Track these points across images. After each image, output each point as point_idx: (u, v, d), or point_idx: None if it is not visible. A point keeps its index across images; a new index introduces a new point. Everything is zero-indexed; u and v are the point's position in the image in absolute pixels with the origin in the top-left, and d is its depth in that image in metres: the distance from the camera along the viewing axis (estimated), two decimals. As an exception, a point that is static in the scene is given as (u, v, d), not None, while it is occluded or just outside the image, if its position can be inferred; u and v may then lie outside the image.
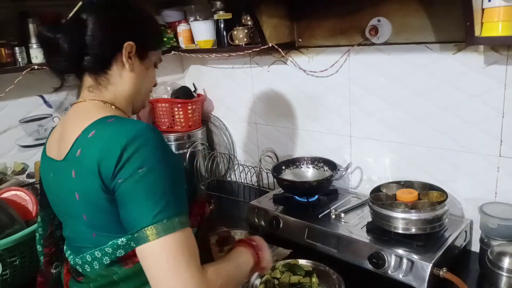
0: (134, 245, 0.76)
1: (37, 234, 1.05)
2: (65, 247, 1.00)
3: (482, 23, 1.12)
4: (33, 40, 1.64)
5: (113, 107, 0.90)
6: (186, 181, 0.85)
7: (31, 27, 1.64)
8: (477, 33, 1.12)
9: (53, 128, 1.00)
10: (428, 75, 1.37)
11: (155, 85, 1.03)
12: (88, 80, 0.91)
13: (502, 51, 1.21)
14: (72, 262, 0.93)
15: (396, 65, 1.43)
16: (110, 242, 0.83)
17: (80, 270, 0.90)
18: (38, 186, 1.48)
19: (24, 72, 1.59)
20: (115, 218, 0.79)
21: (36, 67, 1.61)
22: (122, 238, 0.83)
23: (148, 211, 0.74)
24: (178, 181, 0.80)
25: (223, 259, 0.95)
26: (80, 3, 0.89)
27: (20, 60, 1.62)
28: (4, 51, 1.57)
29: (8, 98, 1.67)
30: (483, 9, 1.11)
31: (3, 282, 1.22)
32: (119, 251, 0.84)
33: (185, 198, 0.81)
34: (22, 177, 1.67)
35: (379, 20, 1.41)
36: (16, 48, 1.61)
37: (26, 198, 1.36)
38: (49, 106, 1.84)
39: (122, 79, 0.92)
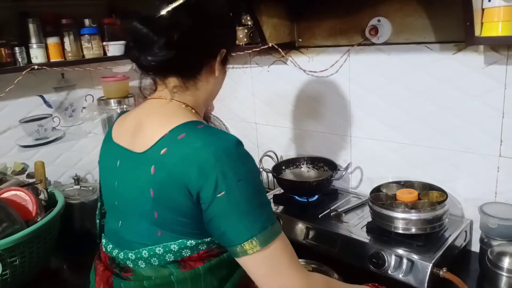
0: (231, 256, 0.81)
1: (97, 211, 1.09)
2: (104, 241, 0.98)
3: (482, 23, 1.12)
4: (33, 40, 1.65)
5: (193, 111, 0.90)
6: None
7: (31, 27, 1.64)
8: (477, 33, 1.12)
9: (120, 114, 1.00)
10: (428, 75, 1.37)
11: None
12: (174, 80, 0.89)
13: (502, 51, 1.21)
14: (119, 257, 0.90)
15: (396, 65, 1.43)
16: (179, 241, 0.83)
17: (131, 266, 0.87)
18: (39, 185, 1.48)
19: (24, 72, 1.59)
20: (190, 222, 0.81)
21: (36, 67, 1.61)
22: (191, 241, 0.83)
23: (242, 228, 0.77)
24: (262, 191, 0.82)
25: (342, 282, 0.97)
26: (180, 1, 0.83)
27: (20, 60, 1.62)
28: (4, 51, 1.57)
29: (8, 98, 1.68)
30: (483, 9, 1.11)
31: (3, 282, 1.22)
32: (185, 251, 0.84)
33: (271, 206, 0.84)
34: (22, 177, 1.67)
35: (379, 20, 1.41)
36: (16, 48, 1.61)
37: (26, 198, 1.36)
38: (49, 106, 1.84)
39: (208, 84, 0.92)
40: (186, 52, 0.85)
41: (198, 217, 0.81)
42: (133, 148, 0.87)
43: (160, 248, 0.84)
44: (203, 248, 0.85)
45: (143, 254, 0.85)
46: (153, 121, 0.87)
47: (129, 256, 0.87)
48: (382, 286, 1.04)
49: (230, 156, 0.78)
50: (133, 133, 0.89)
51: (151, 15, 0.83)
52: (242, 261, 0.80)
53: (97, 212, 1.09)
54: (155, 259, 0.84)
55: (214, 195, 0.76)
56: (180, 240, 0.83)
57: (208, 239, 0.85)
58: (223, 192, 0.76)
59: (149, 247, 0.84)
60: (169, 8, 0.82)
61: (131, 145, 0.88)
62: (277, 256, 0.80)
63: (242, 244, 0.77)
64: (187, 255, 0.84)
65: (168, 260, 0.84)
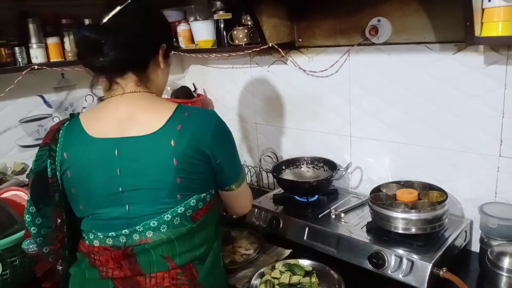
0: (222, 190, 1.11)
1: (33, 236, 1.05)
2: (93, 235, 1.01)
3: (482, 23, 1.12)
4: (33, 40, 1.65)
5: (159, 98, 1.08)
6: None
7: (31, 27, 1.64)
8: (477, 33, 1.12)
9: (72, 118, 1.07)
10: (428, 75, 1.37)
11: None
12: (132, 76, 1.02)
13: (502, 51, 1.21)
14: (125, 237, 0.99)
15: (396, 65, 1.43)
16: (195, 196, 1.01)
17: (151, 235, 0.98)
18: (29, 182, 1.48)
19: (24, 72, 1.60)
20: (203, 179, 1.01)
21: (36, 67, 1.61)
22: (203, 194, 1.02)
23: (234, 173, 1.10)
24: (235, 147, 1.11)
25: None
26: (120, 7, 1.00)
27: (20, 60, 1.62)
28: (4, 51, 1.57)
29: (8, 98, 1.68)
30: (483, 9, 1.11)
31: (3, 282, 1.22)
32: (200, 203, 1.02)
33: None
34: (22, 177, 1.67)
35: (379, 20, 1.41)
36: (16, 48, 1.61)
37: (26, 198, 1.36)
38: (49, 106, 1.84)
39: (157, 76, 1.08)
40: (132, 50, 0.99)
41: (209, 174, 1.03)
42: (131, 134, 0.98)
43: (182, 207, 0.99)
44: (208, 198, 1.05)
45: (165, 218, 0.98)
46: (145, 109, 1.01)
47: (151, 225, 0.98)
48: None
49: (221, 122, 1.04)
50: (123, 123, 0.99)
51: (97, 23, 1.02)
52: (234, 192, 1.12)
53: (35, 237, 1.06)
54: (178, 218, 0.99)
55: (224, 151, 1.03)
56: (196, 195, 1.01)
57: (211, 190, 1.06)
58: (227, 147, 1.05)
59: (172, 209, 0.98)
60: (111, 15, 0.99)
61: (126, 133, 0.98)
62: (247, 186, 1.19)
63: (238, 180, 1.11)
64: (201, 206, 1.02)
65: (188, 215, 1.00)
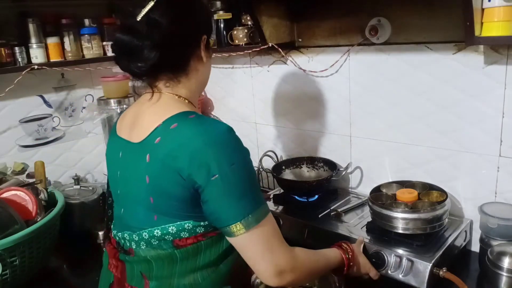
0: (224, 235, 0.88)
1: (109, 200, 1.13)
2: (112, 226, 1.05)
3: (482, 23, 1.12)
4: (33, 40, 1.65)
5: (186, 101, 0.94)
6: None
7: (31, 27, 1.64)
8: (477, 33, 1.12)
9: (122, 112, 1.08)
10: (428, 75, 1.37)
11: None
12: (165, 76, 0.93)
13: (502, 51, 1.21)
14: (125, 239, 0.96)
15: (396, 65, 1.43)
16: (177, 223, 0.87)
17: (134, 247, 0.93)
18: (39, 185, 1.48)
19: (24, 72, 1.60)
20: (184, 205, 0.85)
21: (36, 67, 1.61)
22: (188, 223, 0.87)
23: (236, 208, 0.83)
24: (253, 174, 0.88)
25: (314, 251, 1.02)
26: (151, 3, 0.86)
27: (20, 60, 1.62)
28: (4, 51, 1.57)
29: (8, 98, 1.68)
30: (483, 9, 1.11)
31: (3, 282, 1.22)
32: (183, 233, 0.88)
33: (260, 190, 0.89)
34: (22, 177, 1.67)
35: (379, 20, 1.41)
36: (16, 48, 1.61)
37: (26, 198, 1.36)
38: (49, 106, 1.84)
39: (197, 72, 0.96)
40: (172, 49, 0.89)
41: (192, 201, 0.85)
42: (131, 139, 0.93)
43: (158, 230, 0.88)
44: (200, 231, 0.89)
45: (143, 235, 0.90)
46: (149, 113, 0.92)
47: (133, 237, 0.93)
48: (349, 244, 1.13)
49: (221, 142, 0.83)
50: (131, 126, 0.95)
51: (129, 23, 0.87)
52: (236, 240, 0.85)
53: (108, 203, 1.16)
54: (155, 240, 0.89)
55: (208, 178, 0.81)
56: (178, 222, 0.87)
57: (205, 223, 0.89)
58: (216, 175, 0.81)
59: (150, 229, 0.89)
60: (143, 12, 0.85)
61: (130, 136, 0.94)
62: (268, 234, 0.86)
63: (236, 224, 0.82)
64: (185, 236, 0.88)
65: (168, 239, 0.88)
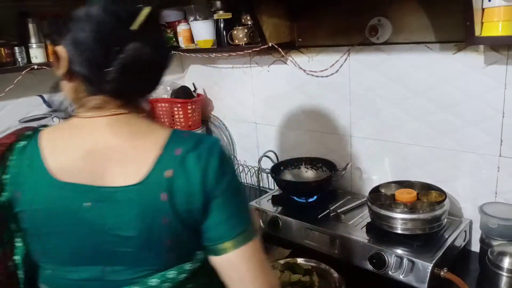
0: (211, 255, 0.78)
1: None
2: None
3: (482, 23, 1.12)
4: (33, 40, 1.64)
5: (144, 116, 0.83)
6: None
7: (31, 27, 1.64)
8: (477, 33, 1.12)
9: (32, 136, 0.80)
10: (428, 75, 1.37)
11: None
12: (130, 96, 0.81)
13: (502, 51, 1.21)
14: None
15: (396, 64, 1.43)
16: (194, 258, 0.79)
17: None
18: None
19: (24, 72, 1.59)
20: (199, 235, 0.77)
21: (35, 67, 1.61)
22: (199, 253, 0.80)
23: (231, 224, 0.76)
24: (243, 191, 0.83)
25: None
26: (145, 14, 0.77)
27: (19, 60, 1.62)
28: (4, 51, 1.57)
29: (8, 98, 1.67)
30: (483, 9, 1.11)
31: (2, 282, 1.21)
32: (198, 264, 0.80)
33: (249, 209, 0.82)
34: (22, 177, 1.67)
35: (379, 20, 1.41)
36: (16, 48, 1.61)
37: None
38: (49, 106, 1.84)
39: None
40: (144, 79, 0.80)
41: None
42: (108, 182, 0.73)
43: (174, 271, 0.78)
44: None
45: (150, 283, 0.76)
46: (128, 140, 0.76)
47: None
48: None
49: (224, 159, 0.77)
50: (99, 161, 0.74)
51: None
52: (227, 257, 0.76)
53: (18, 262, 0.82)
54: (169, 283, 0.77)
55: (217, 195, 0.75)
56: (196, 257, 0.80)
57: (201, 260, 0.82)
58: (221, 191, 0.75)
59: (161, 273, 0.77)
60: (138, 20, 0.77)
61: (103, 179, 0.74)
62: (259, 252, 0.79)
63: (230, 241, 0.75)
64: (197, 266, 0.80)
65: (182, 278, 0.78)
